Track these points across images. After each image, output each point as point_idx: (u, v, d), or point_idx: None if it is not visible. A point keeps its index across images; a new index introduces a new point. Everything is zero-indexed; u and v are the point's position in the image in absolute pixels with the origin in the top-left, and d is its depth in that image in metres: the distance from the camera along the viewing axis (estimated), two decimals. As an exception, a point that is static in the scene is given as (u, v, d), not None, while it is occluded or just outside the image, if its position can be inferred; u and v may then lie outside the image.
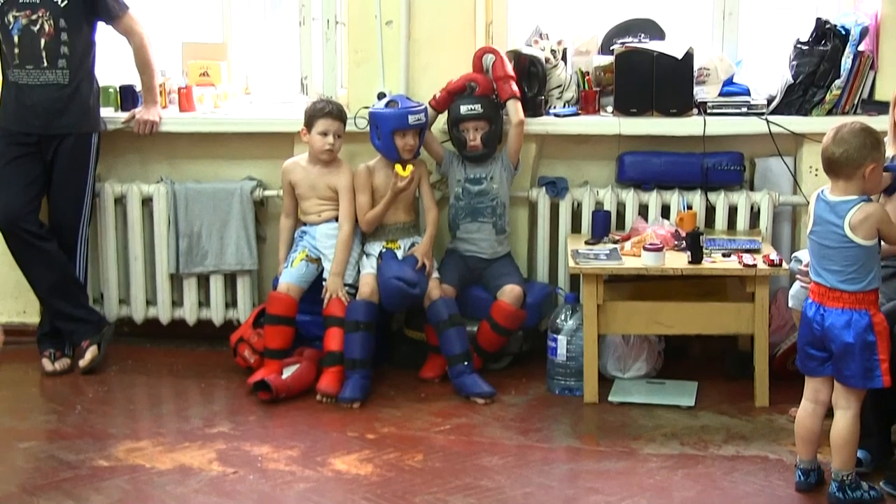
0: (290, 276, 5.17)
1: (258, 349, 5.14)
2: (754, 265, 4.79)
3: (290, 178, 5.26)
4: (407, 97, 5.25)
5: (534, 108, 5.31)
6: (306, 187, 5.22)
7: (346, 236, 5.13)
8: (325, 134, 5.11)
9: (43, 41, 5.10)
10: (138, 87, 5.51)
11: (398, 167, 4.98)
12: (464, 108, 5.14)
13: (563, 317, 5.05)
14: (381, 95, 5.36)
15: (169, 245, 5.58)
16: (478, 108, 5.11)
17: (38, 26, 5.11)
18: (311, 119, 5.14)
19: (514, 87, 5.14)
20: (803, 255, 4.40)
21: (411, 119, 5.02)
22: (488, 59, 5.19)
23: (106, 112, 5.47)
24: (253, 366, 5.15)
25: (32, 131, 5.14)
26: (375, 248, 5.22)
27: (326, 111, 5.10)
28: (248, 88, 5.99)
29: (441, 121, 5.28)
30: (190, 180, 5.61)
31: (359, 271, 5.18)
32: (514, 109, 5.15)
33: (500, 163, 5.24)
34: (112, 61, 5.57)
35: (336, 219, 5.21)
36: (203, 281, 5.67)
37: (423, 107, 5.11)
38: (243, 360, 5.21)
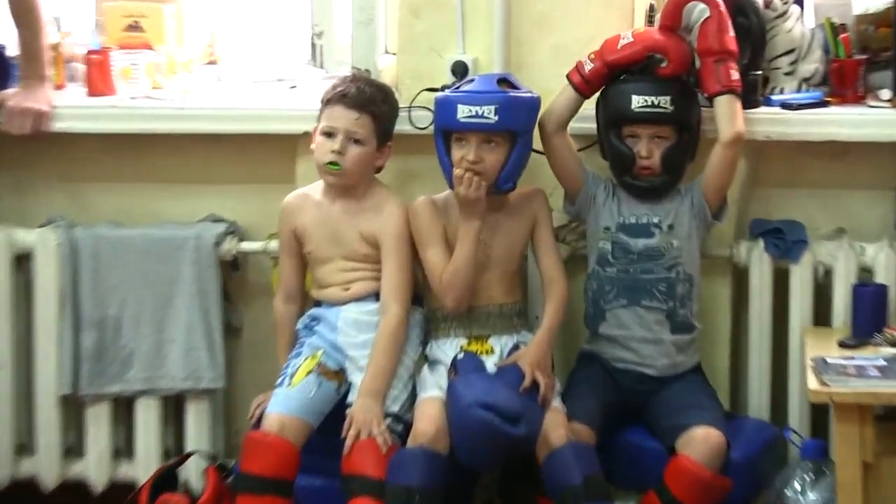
0: (287, 401, 3.84)
1: None
2: None
3: (295, 223, 4.06)
4: (506, 76, 3.92)
5: (744, 92, 3.97)
6: (323, 238, 4.02)
7: (395, 325, 3.92)
8: (329, 134, 3.93)
9: None
10: (13, 52, 4.40)
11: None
12: (637, 100, 3.90)
13: (798, 483, 3.97)
14: (459, 68, 3.98)
15: (62, 342, 4.21)
16: (664, 101, 3.88)
17: None
18: (320, 110, 4.07)
19: (734, 74, 3.90)
20: None
21: (462, 112, 3.87)
22: (698, 13, 3.95)
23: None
24: None
25: None
26: (447, 349, 3.91)
27: (340, 93, 3.94)
28: (215, 54, 4.80)
29: (583, 112, 3.90)
30: (103, 222, 4.31)
31: (414, 393, 3.93)
32: (730, 113, 3.91)
33: (689, 201, 4.02)
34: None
35: (376, 295, 3.94)
36: (123, 410, 4.30)
37: (512, 96, 3.88)
38: None
